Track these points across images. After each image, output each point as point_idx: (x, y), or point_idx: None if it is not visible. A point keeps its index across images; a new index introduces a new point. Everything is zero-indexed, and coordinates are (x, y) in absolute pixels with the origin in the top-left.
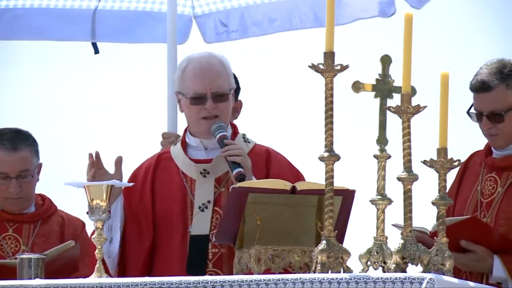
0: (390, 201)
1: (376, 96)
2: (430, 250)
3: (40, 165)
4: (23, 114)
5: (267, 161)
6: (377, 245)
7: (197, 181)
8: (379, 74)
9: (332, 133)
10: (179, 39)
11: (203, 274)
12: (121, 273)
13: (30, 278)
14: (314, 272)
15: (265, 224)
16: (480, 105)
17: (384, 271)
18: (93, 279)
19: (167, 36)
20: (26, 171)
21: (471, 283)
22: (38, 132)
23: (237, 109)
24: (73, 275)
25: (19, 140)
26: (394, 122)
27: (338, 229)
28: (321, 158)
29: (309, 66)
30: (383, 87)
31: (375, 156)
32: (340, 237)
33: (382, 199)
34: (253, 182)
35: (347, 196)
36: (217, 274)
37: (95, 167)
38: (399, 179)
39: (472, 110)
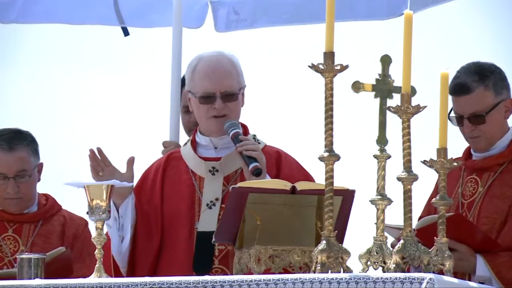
0: (390, 201)
1: (376, 96)
2: (430, 250)
3: (41, 165)
4: (24, 114)
5: (277, 162)
6: (377, 245)
7: (206, 179)
8: (379, 74)
9: (332, 133)
10: (195, 23)
11: (209, 271)
12: (130, 272)
13: (30, 278)
14: (314, 272)
15: (265, 224)
16: (460, 108)
17: (384, 271)
18: (93, 279)
19: (173, 22)
20: (24, 171)
21: (471, 283)
22: (39, 132)
23: None
24: (71, 276)
25: (16, 140)
26: (394, 122)
27: (338, 229)
28: (321, 158)
29: (309, 66)
30: (383, 87)
31: (375, 156)
32: (340, 237)
33: (382, 199)
34: (253, 182)
35: (347, 196)
36: (223, 271)
37: (94, 162)
38: (399, 179)
39: (452, 114)
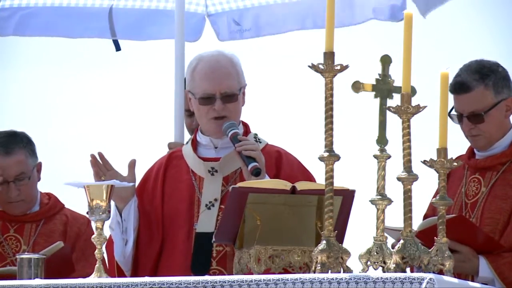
0: (390, 201)
1: (376, 96)
2: (430, 250)
3: (40, 164)
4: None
5: (278, 162)
6: (377, 245)
7: (205, 179)
8: (379, 74)
9: (332, 133)
10: (192, 36)
11: (207, 272)
12: (134, 274)
13: (30, 278)
14: (314, 272)
15: (265, 224)
16: (460, 106)
17: (384, 271)
18: (93, 279)
19: (175, 34)
20: (22, 174)
21: (471, 283)
22: (39, 132)
23: None
24: (72, 275)
25: (13, 144)
26: (394, 122)
27: (338, 229)
28: (321, 158)
29: (309, 66)
30: (383, 87)
31: (375, 156)
32: (340, 237)
33: (382, 199)
34: (253, 182)
35: (347, 196)
36: (220, 272)
37: (96, 167)
38: (399, 179)
39: (453, 112)
